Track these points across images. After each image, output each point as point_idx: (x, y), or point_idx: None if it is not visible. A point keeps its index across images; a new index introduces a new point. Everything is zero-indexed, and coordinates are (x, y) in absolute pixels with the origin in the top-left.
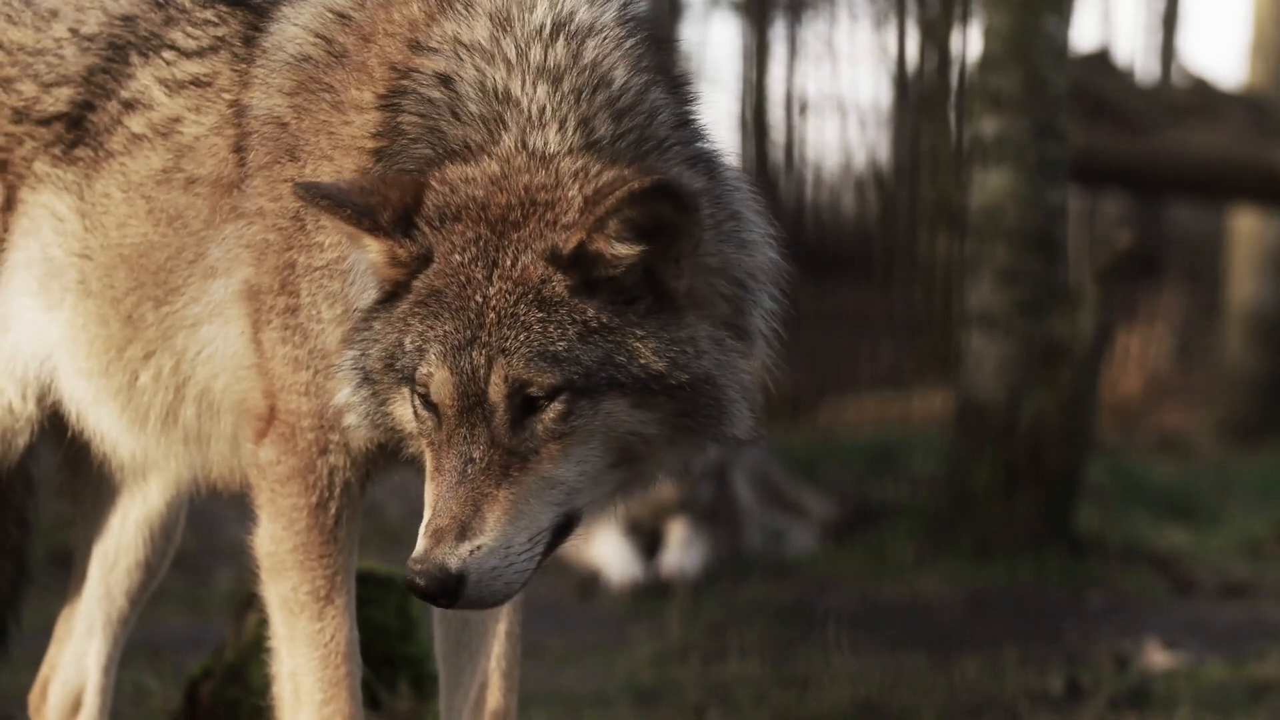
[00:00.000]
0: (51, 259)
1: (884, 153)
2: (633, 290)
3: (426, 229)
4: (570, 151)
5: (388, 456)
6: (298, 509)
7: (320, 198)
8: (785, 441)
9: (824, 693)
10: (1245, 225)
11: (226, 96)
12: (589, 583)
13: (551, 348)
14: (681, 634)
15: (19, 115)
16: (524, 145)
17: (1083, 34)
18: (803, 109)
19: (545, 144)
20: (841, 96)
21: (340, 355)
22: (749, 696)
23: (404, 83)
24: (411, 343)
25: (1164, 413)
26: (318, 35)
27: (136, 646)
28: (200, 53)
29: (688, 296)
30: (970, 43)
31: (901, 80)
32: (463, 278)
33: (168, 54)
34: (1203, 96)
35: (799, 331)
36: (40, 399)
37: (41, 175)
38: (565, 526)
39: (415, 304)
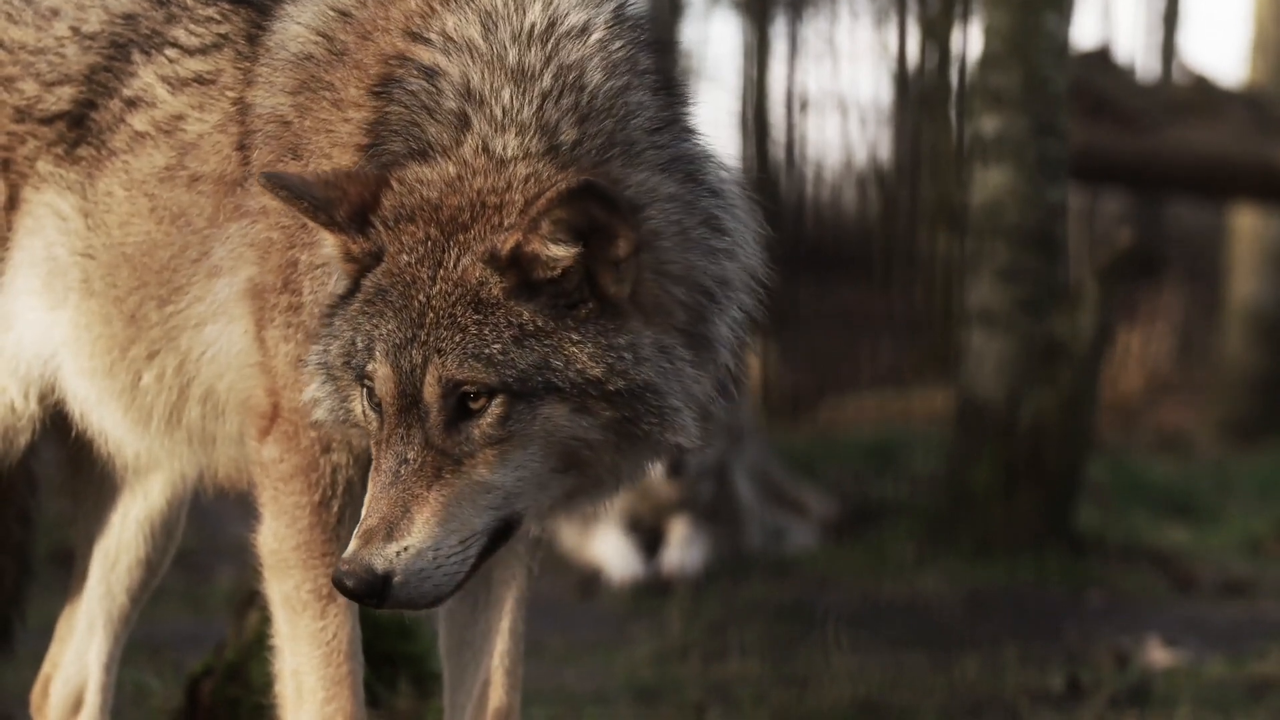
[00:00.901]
0: (55, 258)
1: (885, 151)
2: (573, 295)
3: (380, 227)
4: (527, 156)
5: None
6: (300, 507)
7: (281, 189)
8: (786, 440)
9: (824, 691)
10: (1246, 223)
11: (230, 94)
12: (589, 581)
13: (486, 350)
14: (682, 632)
15: (21, 114)
16: (485, 149)
17: (1083, 32)
18: (803, 107)
19: (504, 148)
20: (842, 94)
21: (308, 351)
22: (749, 695)
23: (397, 72)
24: (361, 341)
25: (1164, 411)
26: (319, 33)
27: (137, 644)
28: (203, 50)
29: (633, 302)
30: (971, 41)
31: (902, 78)
32: (408, 277)
33: (170, 51)
34: (1203, 94)
35: (799, 330)
36: (43, 398)
37: (45, 174)
38: (504, 530)
39: (364, 302)
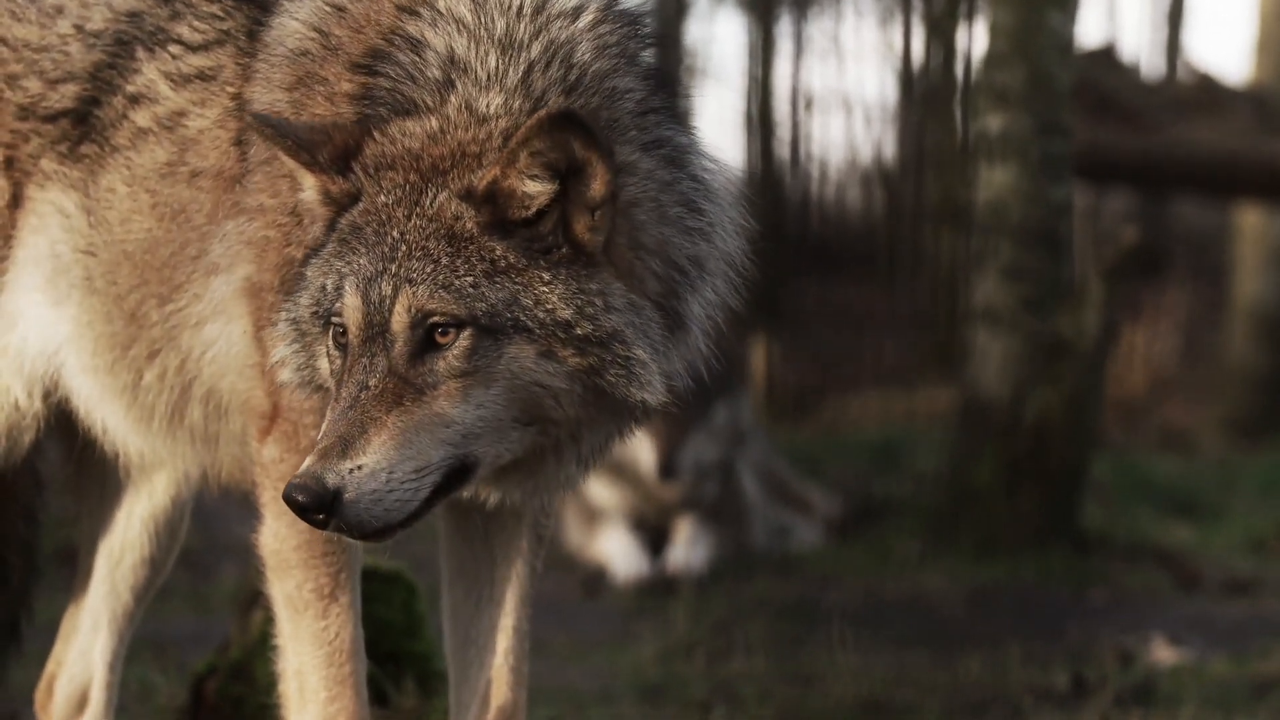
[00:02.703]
0: (58, 255)
1: (889, 149)
2: (548, 238)
3: (360, 173)
4: (510, 114)
5: None
6: None
7: (267, 127)
8: (790, 438)
9: (828, 689)
10: (1250, 222)
11: (230, 90)
12: (594, 579)
13: (457, 281)
14: (687, 630)
15: (25, 112)
16: (468, 106)
17: (1088, 30)
18: (808, 105)
19: (488, 106)
20: (847, 93)
21: (277, 312)
22: (754, 693)
23: (385, 47)
24: (331, 283)
25: (1169, 409)
26: (315, 29)
27: (142, 643)
28: (205, 46)
29: (608, 255)
30: (975, 39)
31: (907, 77)
32: (384, 215)
33: (174, 48)
34: (1208, 92)
35: (804, 328)
36: (47, 396)
37: (48, 172)
38: (461, 472)
39: (338, 242)
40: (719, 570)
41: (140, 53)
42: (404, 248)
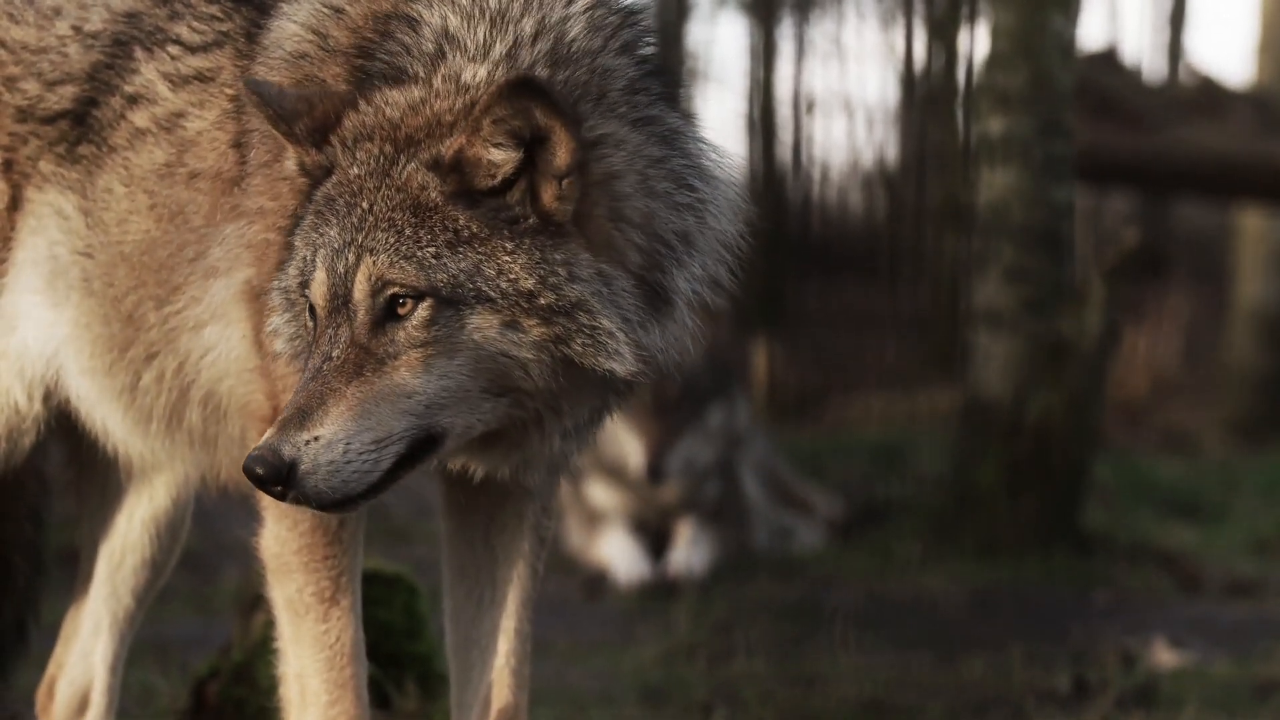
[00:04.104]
0: (56, 257)
1: (891, 152)
2: (515, 208)
3: (338, 145)
4: (492, 85)
5: None
6: (301, 510)
7: (255, 94)
8: (792, 440)
9: (830, 691)
10: (1252, 224)
11: (229, 91)
12: (596, 581)
13: (418, 252)
14: (688, 632)
15: (23, 114)
16: (453, 77)
17: (1090, 32)
18: (810, 108)
19: (473, 76)
20: (849, 95)
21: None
22: (755, 695)
23: (382, 30)
24: (309, 255)
25: (1170, 411)
26: (313, 31)
27: (143, 645)
28: (205, 47)
29: (580, 226)
30: (977, 41)
31: (909, 79)
32: (355, 187)
33: (172, 49)
34: (1209, 95)
35: (806, 330)
36: (47, 398)
37: (47, 174)
38: (427, 443)
39: (314, 214)
40: (720, 572)
41: (139, 53)
42: (371, 219)
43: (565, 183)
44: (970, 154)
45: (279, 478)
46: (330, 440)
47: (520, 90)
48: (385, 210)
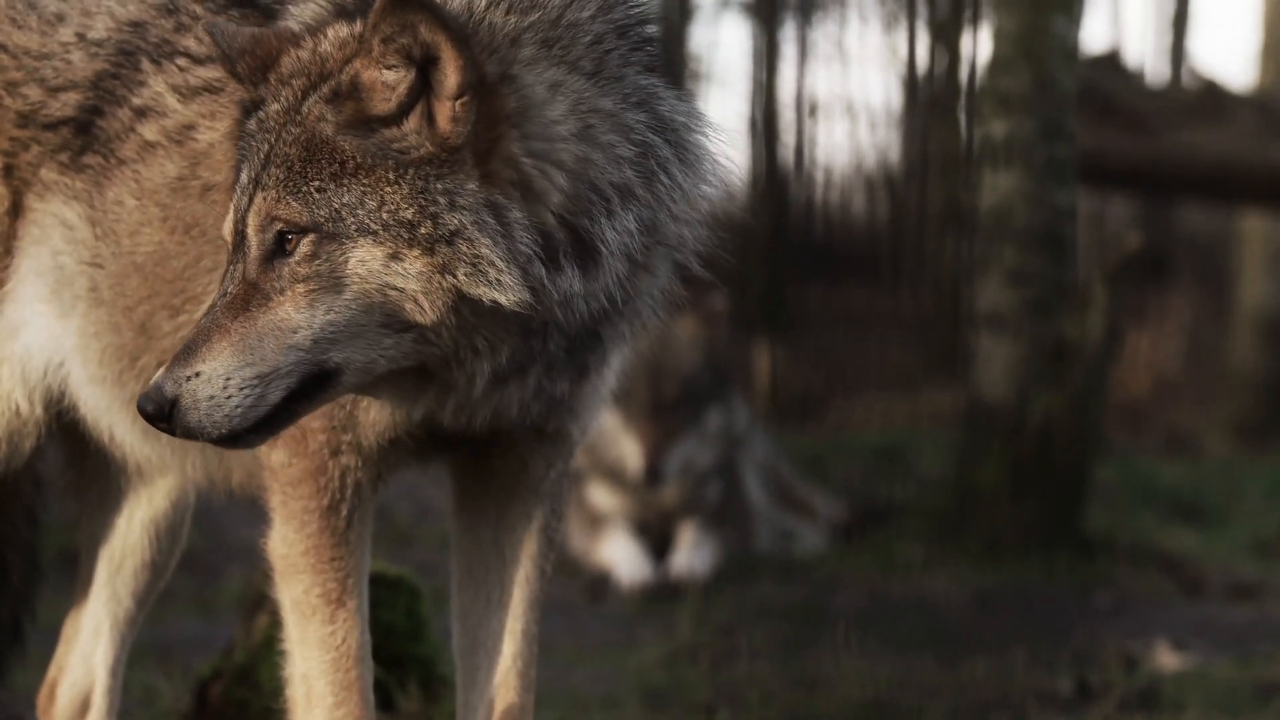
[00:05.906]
0: (62, 267)
1: (894, 154)
2: (409, 137)
3: (274, 82)
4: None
5: (399, 455)
6: (309, 511)
7: (210, 34)
8: (794, 441)
9: (833, 692)
10: (1254, 227)
11: (239, 101)
12: (598, 584)
13: (304, 187)
14: (691, 634)
15: (24, 119)
16: None
17: (1092, 35)
18: (812, 110)
19: None
20: (851, 98)
21: None
22: (758, 696)
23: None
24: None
25: (1173, 413)
26: None
27: (146, 647)
28: (213, 59)
29: (480, 158)
30: (980, 44)
31: (911, 82)
32: (269, 125)
33: (180, 60)
34: (1212, 98)
35: (808, 332)
36: (49, 404)
37: (49, 183)
38: (321, 379)
39: (238, 153)
40: (723, 574)
41: (146, 65)
42: (272, 156)
43: (458, 104)
44: (972, 157)
45: (161, 415)
46: (210, 376)
47: (402, 5)
48: (283, 146)
